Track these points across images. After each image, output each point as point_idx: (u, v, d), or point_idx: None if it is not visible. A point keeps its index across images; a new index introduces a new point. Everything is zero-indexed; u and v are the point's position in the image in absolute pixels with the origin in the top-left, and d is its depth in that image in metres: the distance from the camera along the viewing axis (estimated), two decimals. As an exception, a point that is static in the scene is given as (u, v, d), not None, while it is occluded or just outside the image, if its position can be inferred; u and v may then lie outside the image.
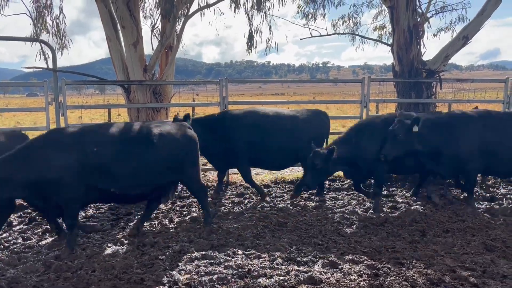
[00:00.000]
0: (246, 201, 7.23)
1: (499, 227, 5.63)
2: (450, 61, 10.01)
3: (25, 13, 8.58)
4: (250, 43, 9.21)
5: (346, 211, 6.47)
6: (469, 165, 6.31)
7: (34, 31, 8.62)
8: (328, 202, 7.05)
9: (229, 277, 4.27)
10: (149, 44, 8.64)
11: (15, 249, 5.12)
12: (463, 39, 9.32)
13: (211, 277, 4.27)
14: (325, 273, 4.36)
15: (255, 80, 13.81)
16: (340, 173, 8.93)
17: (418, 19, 9.42)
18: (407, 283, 4.12)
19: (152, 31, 8.83)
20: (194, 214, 6.42)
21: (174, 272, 4.38)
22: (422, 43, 9.44)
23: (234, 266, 4.51)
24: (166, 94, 8.31)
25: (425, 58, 9.55)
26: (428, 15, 10.54)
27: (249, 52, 9.21)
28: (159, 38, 8.61)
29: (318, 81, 54.93)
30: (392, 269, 4.43)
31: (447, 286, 4.06)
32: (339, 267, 4.50)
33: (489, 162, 6.31)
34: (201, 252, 4.89)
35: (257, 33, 9.13)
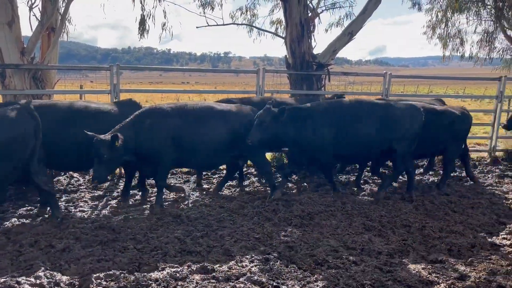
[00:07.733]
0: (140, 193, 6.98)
1: (376, 208, 6.17)
2: (342, 56, 10.85)
3: None
4: (143, 28, 8.83)
5: (243, 200, 6.58)
6: None
7: None
8: (225, 191, 7.11)
9: (117, 273, 4.07)
10: (28, 25, 7.78)
11: None
12: (348, 35, 10.01)
13: (98, 274, 4.04)
14: (218, 261, 4.40)
15: (149, 67, 13.14)
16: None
17: (310, 14, 9.89)
18: (295, 265, 4.34)
19: (30, 10, 7.94)
20: (82, 208, 6.03)
21: (55, 273, 4.06)
22: (313, 37, 9.96)
23: (124, 261, 4.32)
24: (49, 80, 7.59)
25: (316, 51, 10.08)
26: (319, 10, 11.13)
27: (142, 37, 8.84)
28: (39, 18, 7.79)
29: (210, 71, 57.34)
30: (282, 253, 4.62)
31: (330, 265, 4.37)
32: (232, 254, 4.57)
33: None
34: (88, 250, 4.61)
35: (149, 18, 8.78)
